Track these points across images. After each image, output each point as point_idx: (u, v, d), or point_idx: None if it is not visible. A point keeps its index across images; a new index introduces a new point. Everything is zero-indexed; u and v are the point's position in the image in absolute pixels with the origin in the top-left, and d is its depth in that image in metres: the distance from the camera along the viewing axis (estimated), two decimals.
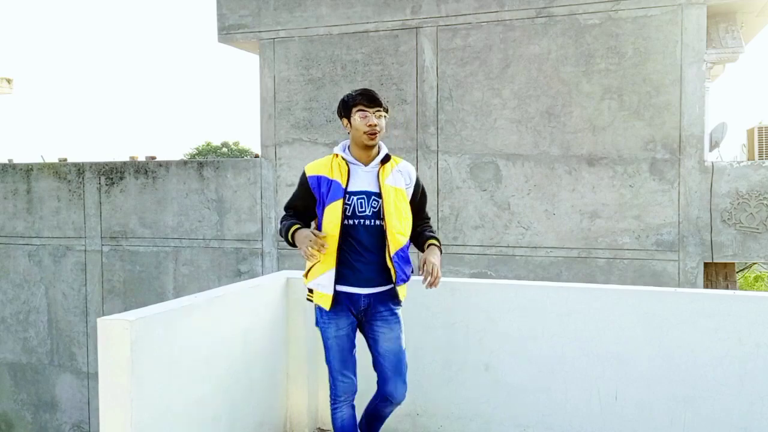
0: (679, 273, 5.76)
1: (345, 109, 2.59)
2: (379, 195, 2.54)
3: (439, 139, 6.36)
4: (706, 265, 5.92)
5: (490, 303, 3.18)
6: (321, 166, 2.61)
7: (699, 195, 5.71)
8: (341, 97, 2.67)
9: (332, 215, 2.52)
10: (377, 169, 2.59)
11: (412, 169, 2.73)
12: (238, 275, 7.04)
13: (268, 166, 6.91)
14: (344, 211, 2.52)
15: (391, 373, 2.56)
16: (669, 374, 2.96)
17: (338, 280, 2.54)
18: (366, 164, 2.59)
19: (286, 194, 6.80)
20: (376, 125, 2.53)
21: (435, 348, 3.24)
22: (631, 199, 5.84)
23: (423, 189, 2.75)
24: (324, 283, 2.56)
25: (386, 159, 2.61)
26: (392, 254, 2.52)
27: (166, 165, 7.34)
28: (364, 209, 2.53)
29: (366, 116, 2.53)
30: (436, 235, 2.73)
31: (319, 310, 2.63)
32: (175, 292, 7.21)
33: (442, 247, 2.71)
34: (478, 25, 6.18)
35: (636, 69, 5.80)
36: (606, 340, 3.03)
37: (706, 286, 5.98)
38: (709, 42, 6.02)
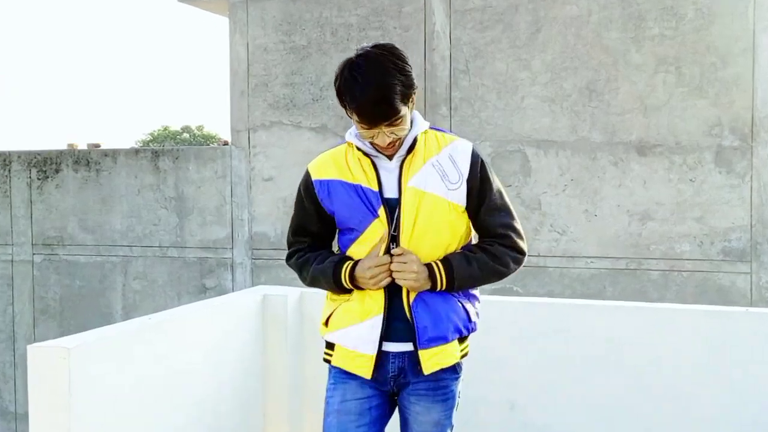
0: (751, 288, 5.74)
1: (341, 102, 2.09)
2: (397, 201, 2.10)
3: (452, 122, 6.35)
4: None
5: (517, 326, 3.18)
6: (332, 163, 2.17)
7: None
8: (335, 71, 2.14)
9: (373, 239, 2.10)
10: (401, 161, 2.13)
11: (465, 151, 2.15)
12: (203, 291, 7.03)
13: (239, 156, 6.91)
14: (389, 219, 2.09)
15: None
16: (739, 415, 2.95)
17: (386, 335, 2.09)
18: (391, 157, 2.13)
19: (262, 191, 6.81)
20: (390, 144, 2.07)
21: None
22: (692, 196, 5.84)
23: (485, 181, 2.16)
24: (363, 336, 2.09)
25: (414, 144, 2.12)
26: (412, 298, 2.09)
27: (113, 154, 7.33)
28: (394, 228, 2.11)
29: (371, 135, 2.06)
30: (461, 264, 2.12)
31: (331, 368, 2.23)
32: (125, 313, 7.19)
33: (464, 284, 2.15)
34: None
35: (698, 35, 5.80)
36: (660, 372, 3.03)
37: None
38: None
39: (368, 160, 2.12)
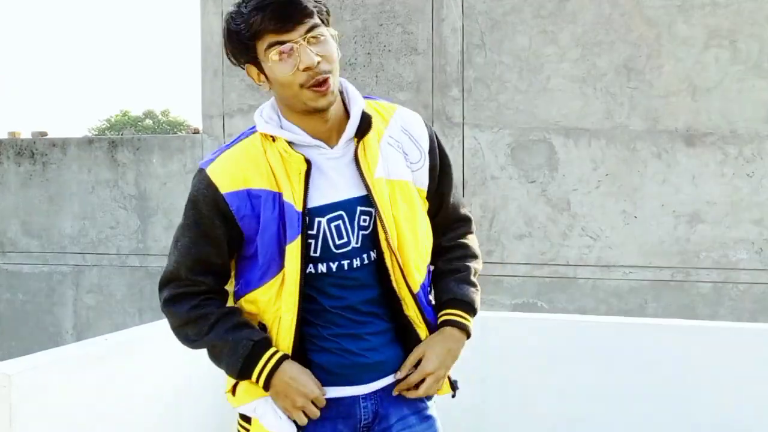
0: None
1: (240, 48, 1.86)
2: (368, 201, 1.91)
3: (465, 106, 6.36)
4: None
5: (542, 348, 3.18)
6: (244, 166, 1.90)
7: None
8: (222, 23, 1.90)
9: (288, 264, 1.88)
10: (353, 151, 1.92)
11: (416, 120, 2.04)
12: None
13: (213, 147, 6.91)
14: (305, 252, 1.87)
15: None
16: None
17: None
18: (332, 144, 1.92)
19: None
20: (318, 64, 1.80)
21: (459, 413, 3.23)
22: (750, 194, 5.84)
23: (443, 155, 2.07)
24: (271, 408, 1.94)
25: (366, 123, 1.91)
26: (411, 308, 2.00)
27: (62, 145, 7.33)
28: (346, 238, 1.91)
29: (290, 53, 1.80)
30: (474, 295, 2.06)
31: None
32: (76, 332, 7.19)
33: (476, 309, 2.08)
34: None
35: (756, 3, 5.80)
36: (712, 403, 3.03)
37: None
38: None
39: (302, 157, 1.87)
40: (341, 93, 1.95)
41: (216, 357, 1.97)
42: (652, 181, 6.01)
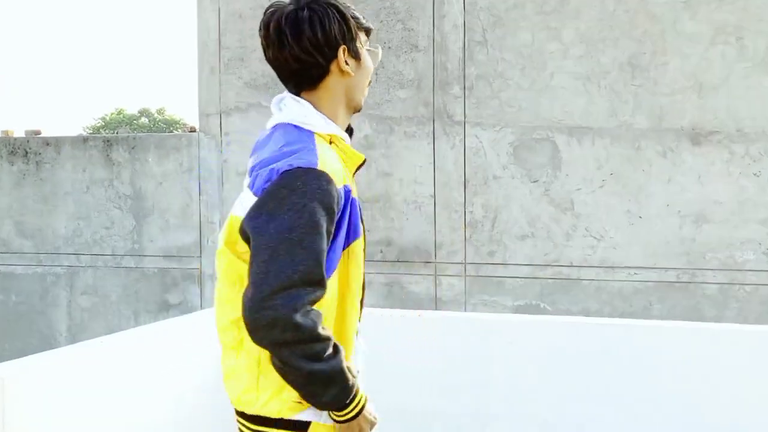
0: None
1: (348, 30, 2.04)
2: None
3: (467, 104, 6.36)
4: None
5: (546, 350, 3.18)
6: (338, 171, 2.00)
7: None
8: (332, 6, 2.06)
9: (358, 261, 2.07)
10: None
11: None
12: (166, 309, 7.03)
13: (209, 146, 6.91)
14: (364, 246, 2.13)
15: None
16: None
17: None
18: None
19: (236, 187, 6.80)
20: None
21: (462, 417, 3.24)
22: (757, 194, 5.84)
23: None
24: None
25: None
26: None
27: (56, 143, 7.33)
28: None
29: (376, 51, 2.18)
30: None
31: None
32: (70, 335, 7.20)
33: None
34: None
35: None
36: (718, 406, 3.03)
37: None
38: None
39: (353, 159, 2.10)
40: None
41: (324, 384, 1.91)
42: (657, 181, 6.01)
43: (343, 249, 1.99)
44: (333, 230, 1.92)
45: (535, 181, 6.24)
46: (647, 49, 6.00)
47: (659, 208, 6.02)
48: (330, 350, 1.89)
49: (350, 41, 2.04)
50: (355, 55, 2.06)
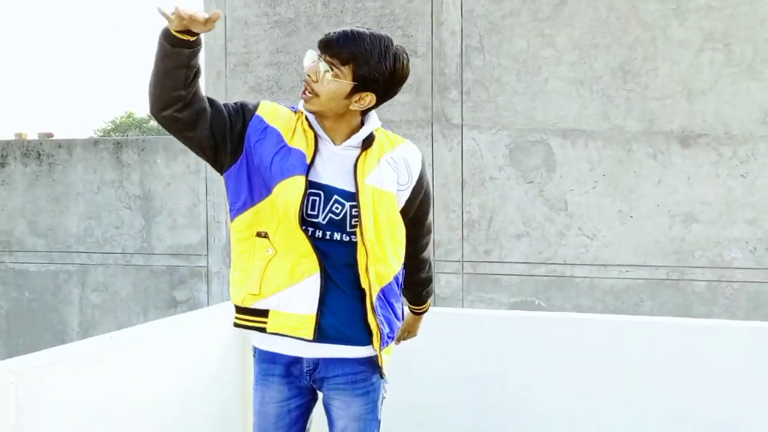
0: None
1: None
2: (353, 197, 2.32)
3: (464, 108, 6.36)
4: None
5: (540, 345, 3.18)
6: (282, 118, 2.38)
7: None
8: None
9: (290, 195, 2.27)
10: (355, 154, 2.37)
11: (416, 155, 2.49)
12: (174, 306, 7.03)
13: None
14: (304, 199, 2.29)
15: None
16: None
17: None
18: (336, 141, 2.37)
19: None
20: (309, 77, 2.31)
21: (460, 410, 3.23)
22: (744, 195, 5.84)
23: (427, 191, 2.52)
24: (302, 296, 2.32)
25: (370, 140, 2.39)
26: (375, 298, 2.35)
27: (68, 146, 7.33)
28: (315, 212, 2.32)
29: (312, 59, 2.33)
30: (431, 292, 2.79)
31: (253, 351, 2.51)
32: (82, 330, 7.20)
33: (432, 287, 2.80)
34: None
35: (750, 6, 5.80)
36: (707, 400, 3.03)
37: None
38: None
39: (312, 134, 2.34)
40: (363, 115, 2.42)
41: (157, 64, 2.23)
42: (648, 182, 6.01)
43: (268, 181, 2.30)
44: (240, 124, 2.34)
45: (530, 182, 6.24)
46: (638, 55, 6.00)
47: (650, 208, 6.01)
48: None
49: None
50: None
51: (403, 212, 2.45)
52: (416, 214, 2.50)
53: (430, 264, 2.69)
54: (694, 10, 5.90)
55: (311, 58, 2.31)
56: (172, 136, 2.37)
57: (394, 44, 2.34)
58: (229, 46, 6.88)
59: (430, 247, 2.67)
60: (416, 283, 2.67)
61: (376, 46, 2.28)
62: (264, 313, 2.36)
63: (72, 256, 7.28)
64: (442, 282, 6.34)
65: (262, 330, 2.38)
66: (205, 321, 3.25)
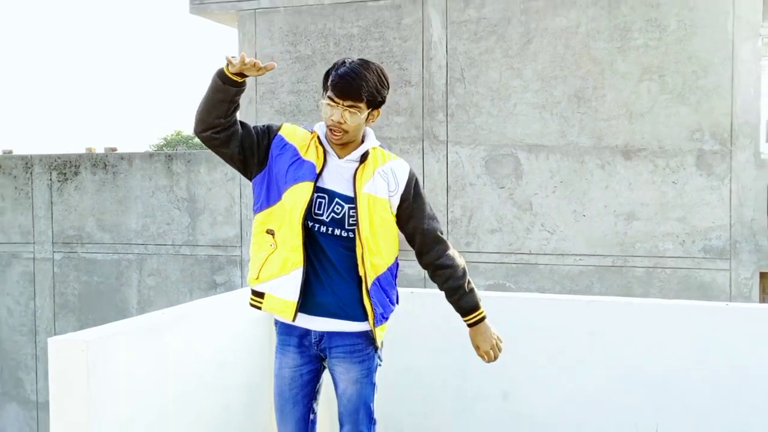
0: (730, 284, 5.74)
1: (324, 84, 2.37)
2: (351, 200, 2.32)
3: (449, 127, 6.35)
4: (762, 275, 5.91)
5: (510, 320, 3.18)
6: (299, 137, 2.39)
7: (754, 193, 5.70)
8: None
9: (297, 197, 2.29)
10: (354, 166, 2.36)
11: (404, 170, 2.44)
12: (214, 287, 7.03)
13: None
14: (311, 201, 2.31)
15: (343, 418, 2.44)
16: (720, 405, 2.95)
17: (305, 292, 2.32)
18: (341, 156, 2.38)
19: None
20: (340, 123, 2.28)
21: (446, 374, 3.23)
22: (675, 198, 5.84)
23: (417, 200, 2.44)
24: (288, 285, 2.32)
25: (366, 156, 2.38)
26: (370, 283, 2.33)
27: (128, 158, 7.33)
28: (321, 211, 2.33)
29: (332, 108, 2.29)
30: (475, 296, 2.45)
31: (275, 324, 2.50)
32: (140, 308, 7.20)
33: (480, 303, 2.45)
34: None
35: (680, 45, 5.79)
36: (646, 365, 3.03)
37: (762, 300, 5.96)
38: (765, 14, 6.02)
39: (322, 150, 2.36)
40: (364, 135, 2.41)
41: (207, 94, 2.29)
42: (597, 187, 6.01)
43: (280, 185, 2.33)
44: (265, 140, 2.37)
45: (502, 188, 6.24)
46: (589, 84, 6.00)
47: (599, 208, 6.01)
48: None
49: (325, 91, 2.35)
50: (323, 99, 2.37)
51: (400, 218, 2.42)
52: (412, 222, 2.43)
53: (455, 272, 2.44)
54: (634, 48, 5.89)
55: (333, 109, 2.29)
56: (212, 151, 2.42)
57: (375, 64, 2.35)
58: (258, 77, 6.87)
59: (450, 255, 2.45)
60: (448, 293, 2.46)
61: (375, 76, 2.30)
62: (261, 295, 2.41)
63: (132, 248, 7.28)
64: None
65: (258, 308, 2.44)
66: (239, 300, 3.24)
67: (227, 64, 2.23)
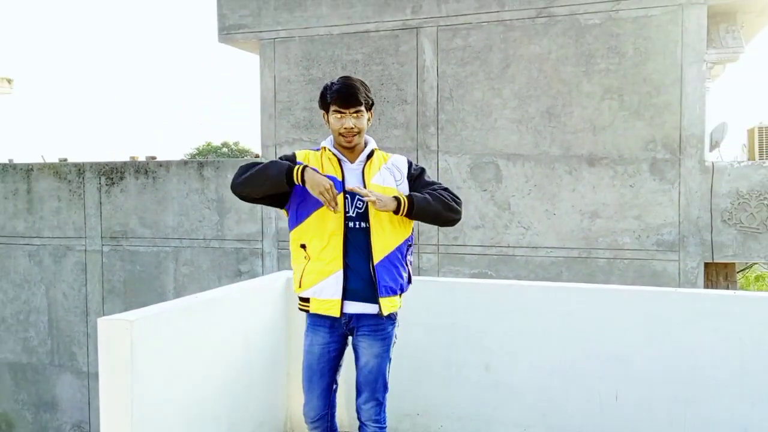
0: (679, 273, 5.75)
1: (323, 102, 2.40)
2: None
3: (439, 139, 6.36)
4: (706, 265, 5.92)
5: (491, 303, 3.18)
6: (310, 157, 2.40)
7: (699, 195, 5.70)
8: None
9: (328, 213, 2.31)
10: (362, 166, 2.40)
11: (403, 161, 2.48)
12: (239, 275, 7.04)
13: None
14: (345, 207, 2.32)
15: (363, 386, 2.44)
16: (669, 374, 2.96)
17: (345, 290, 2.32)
18: (352, 161, 2.41)
19: None
20: (352, 128, 2.33)
21: (436, 348, 3.23)
22: (632, 199, 5.84)
23: (421, 173, 2.45)
24: (330, 285, 2.33)
25: (371, 156, 2.42)
26: (376, 263, 2.32)
27: (166, 165, 7.34)
28: (348, 210, 2.35)
29: (342, 118, 2.34)
30: (430, 195, 2.36)
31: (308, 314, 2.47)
32: (176, 292, 7.21)
33: (424, 210, 2.34)
34: (478, 25, 6.18)
35: (636, 69, 5.80)
36: (606, 341, 3.03)
37: (706, 287, 5.97)
38: (709, 42, 6.02)
39: (336, 160, 2.38)
40: (366, 140, 2.46)
41: (262, 174, 2.30)
42: (566, 190, 6.01)
43: (310, 205, 2.34)
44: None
45: (484, 190, 6.24)
46: (559, 102, 6.00)
47: (567, 208, 6.01)
48: (244, 170, 2.35)
49: (325, 109, 2.40)
50: (327, 116, 2.41)
51: (414, 189, 2.42)
52: (417, 185, 2.44)
53: (445, 201, 2.37)
54: (597, 72, 5.89)
55: (343, 119, 2.34)
56: (239, 159, 2.45)
57: (355, 76, 2.43)
58: (277, 96, 6.88)
59: (447, 198, 2.38)
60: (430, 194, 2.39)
61: (360, 84, 2.38)
62: (306, 300, 2.41)
63: (169, 241, 7.28)
64: (424, 259, 6.34)
65: (307, 311, 2.44)
66: (261, 286, 3.25)
67: (301, 173, 2.27)
